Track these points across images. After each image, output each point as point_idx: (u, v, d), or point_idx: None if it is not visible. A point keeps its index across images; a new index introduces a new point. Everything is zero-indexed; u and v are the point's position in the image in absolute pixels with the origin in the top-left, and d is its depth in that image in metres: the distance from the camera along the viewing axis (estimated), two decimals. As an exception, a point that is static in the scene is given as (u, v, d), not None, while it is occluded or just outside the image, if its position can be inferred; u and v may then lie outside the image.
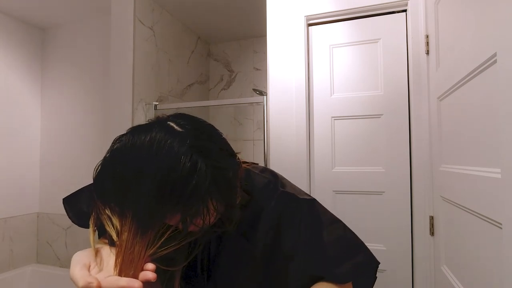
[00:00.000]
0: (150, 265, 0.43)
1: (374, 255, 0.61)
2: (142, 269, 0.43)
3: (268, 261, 0.57)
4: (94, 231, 0.50)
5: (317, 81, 1.46)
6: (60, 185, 2.34)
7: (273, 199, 0.59)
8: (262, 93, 2.08)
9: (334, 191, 1.41)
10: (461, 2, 0.86)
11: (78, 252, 0.47)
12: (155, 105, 1.91)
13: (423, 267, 1.24)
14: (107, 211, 0.46)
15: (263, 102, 1.57)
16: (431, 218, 1.21)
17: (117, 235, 0.44)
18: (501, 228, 0.61)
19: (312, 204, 0.60)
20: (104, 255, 0.47)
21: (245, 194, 0.58)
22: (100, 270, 0.45)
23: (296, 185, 0.66)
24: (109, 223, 0.46)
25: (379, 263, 0.61)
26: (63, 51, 2.44)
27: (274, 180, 0.62)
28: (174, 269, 0.53)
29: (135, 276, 0.42)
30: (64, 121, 2.40)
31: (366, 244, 0.62)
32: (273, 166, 1.46)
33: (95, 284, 0.40)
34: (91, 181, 0.54)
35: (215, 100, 2.60)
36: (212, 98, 2.67)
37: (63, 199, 0.68)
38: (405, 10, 1.35)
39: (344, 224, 0.62)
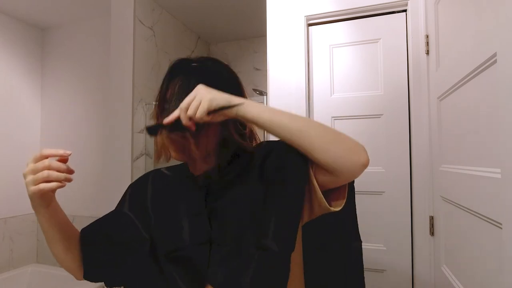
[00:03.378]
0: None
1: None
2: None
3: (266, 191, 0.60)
4: None
5: (317, 81, 1.46)
6: (60, 185, 2.34)
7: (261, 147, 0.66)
8: (262, 93, 2.08)
9: (334, 191, 1.41)
10: (461, 2, 0.86)
11: None
12: (155, 105, 1.91)
13: (423, 267, 1.24)
14: None
15: (263, 102, 1.57)
16: (431, 218, 1.21)
17: None
18: (501, 228, 0.61)
19: None
20: None
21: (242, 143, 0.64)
22: None
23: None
24: None
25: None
26: (63, 51, 2.44)
27: (265, 141, 0.70)
28: None
29: None
30: (64, 121, 2.40)
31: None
32: (273, 166, 1.46)
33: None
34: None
35: (215, 100, 2.59)
36: (212, 98, 2.67)
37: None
38: (405, 10, 1.35)
39: None
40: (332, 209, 0.57)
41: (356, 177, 0.57)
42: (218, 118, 0.57)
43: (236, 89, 0.66)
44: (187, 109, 0.54)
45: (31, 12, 2.23)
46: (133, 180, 1.87)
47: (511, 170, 0.55)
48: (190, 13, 2.18)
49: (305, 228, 0.65)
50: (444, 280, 1.04)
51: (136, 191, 0.72)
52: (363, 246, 0.70)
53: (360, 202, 1.38)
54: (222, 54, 2.68)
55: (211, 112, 0.54)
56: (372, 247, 1.33)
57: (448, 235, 1.03)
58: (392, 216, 1.32)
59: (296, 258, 0.62)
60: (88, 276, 0.66)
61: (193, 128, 0.56)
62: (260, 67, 2.52)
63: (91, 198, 2.26)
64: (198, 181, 0.65)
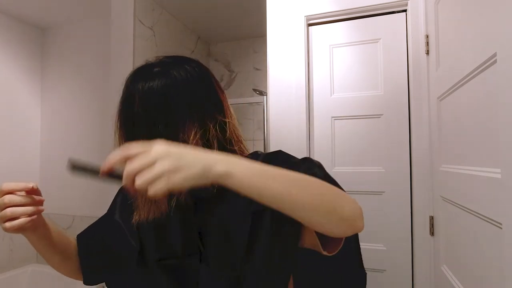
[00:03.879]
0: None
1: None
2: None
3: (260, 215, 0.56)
4: None
5: (317, 81, 1.46)
6: (60, 185, 2.34)
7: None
8: (262, 93, 2.08)
9: (334, 191, 1.41)
10: (461, 2, 0.86)
11: None
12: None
13: (423, 267, 1.24)
14: None
15: (263, 102, 1.57)
16: (431, 218, 1.21)
17: None
18: (501, 228, 0.61)
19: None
20: None
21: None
22: None
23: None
24: None
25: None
26: (63, 51, 2.44)
27: (260, 152, 0.65)
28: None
29: None
30: (64, 121, 2.40)
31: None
32: (273, 166, 1.46)
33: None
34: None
35: (215, 100, 2.59)
36: (212, 98, 2.67)
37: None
38: (405, 10, 1.35)
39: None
40: (325, 253, 0.54)
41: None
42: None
43: (210, 95, 0.59)
44: (134, 175, 0.40)
45: (31, 12, 2.23)
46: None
47: (511, 170, 0.55)
48: (190, 13, 2.18)
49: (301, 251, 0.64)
50: (444, 280, 1.04)
51: (126, 196, 0.69)
52: (363, 246, 0.69)
53: (360, 202, 1.38)
54: (222, 54, 2.68)
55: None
56: (372, 247, 1.33)
57: (448, 235, 1.03)
58: (392, 216, 1.32)
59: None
60: (88, 281, 0.66)
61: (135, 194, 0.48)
62: (260, 67, 2.52)
63: (91, 198, 2.26)
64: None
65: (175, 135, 0.53)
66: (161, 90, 0.54)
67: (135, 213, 0.59)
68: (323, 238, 0.54)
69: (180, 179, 0.39)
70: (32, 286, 2.20)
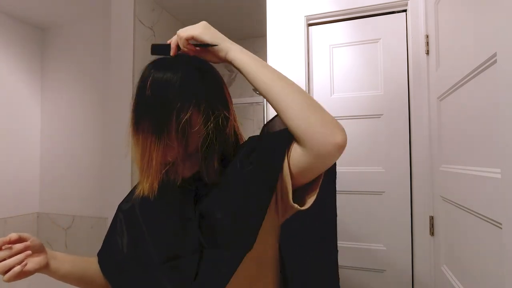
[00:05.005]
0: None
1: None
2: None
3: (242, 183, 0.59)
4: None
5: (317, 81, 1.46)
6: (60, 185, 2.34)
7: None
8: (262, 93, 2.08)
9: (334, 191, 1.41)
10: (461, 2, 0.86)
11: None
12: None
13: (423, 267, 1.24)
14: None
15: (263, 102, 1.57)
16: (431, 218, 1.21)
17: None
18: (501, 228, 0.61)
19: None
20: None
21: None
22: None
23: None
24: None
25: None
26: (63, 51, 2.44)
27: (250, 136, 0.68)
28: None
29: None
30: (64, 121, 2.40)
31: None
32: (273, 166, 1.46)
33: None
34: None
35: (215, 100, 2.59)
36: (212, 98, 2.67)
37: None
38: (405, 10, 1.35)
39: None
40: (296, 206, 0.54)
41: (329, 159, 0.53)
42: (207, 56, 0.62)
43: (219, 91, 0.65)
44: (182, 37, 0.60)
45: (31, 12, 2.23)
46: (133, 180, 1.86)
47: (511, 170, 0.55)
48: (190, 13, 2.18)
49: (283, 228, 0.64)
50: (444, 280, 1.04)
51: (127, 212, 0.71)
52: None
53: (360, 202, 1.39)
54: (222, 54, 2.68)
55: (197, 45, 0.61)
56: (372, 247, 1.33)
57: (448, 235, 1.03)
58: (392, 216, 1.32)
59: (266, 258, 0.62)
60: None
61: (192, 51, 0.62)
62: (260, 67, 2.52)
63: (91, 198, 2.26)
64: (185, 185, 0.64)
65: (179, 121, 0.56)
66: (173, 78, 0.58)
67: (138, 189, 0.63)
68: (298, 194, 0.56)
69: (201, 35, 0.60)
70: (32, 286, 2.20)
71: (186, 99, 0.57)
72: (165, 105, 0.56)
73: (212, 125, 0.59)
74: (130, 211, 0.70)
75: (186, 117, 0.56)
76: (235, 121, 0.65)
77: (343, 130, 0.52)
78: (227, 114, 0.62)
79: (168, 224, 0.63)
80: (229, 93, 0.67)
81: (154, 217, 0.66)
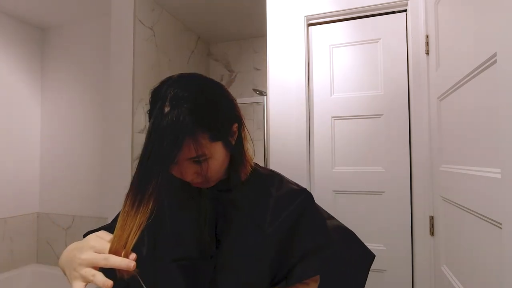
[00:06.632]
0: (133, 255, 0.48)
1: (375, 255, 0.64)
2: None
3: (276, 246, 0.61)
4: None
5: (317, 81, 1.46)
6: (60, 185, 2.34)
7: (282, 188, 0.66)
8: (262, 93, 2.08)
9: (334, 191, 1.41)
10: (461, 2, 0.86)
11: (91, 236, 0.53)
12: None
13: (423, 267, 1.24)
14: None
15: (263, 102, 1.57)
16: (431, 218, 1.21)
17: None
18: (501, 228, 0.61)
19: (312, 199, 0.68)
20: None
21: (249, 167, 0.65)
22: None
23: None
24: None
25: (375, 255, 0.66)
26: (63, 51, 2.44)
27: (277, 173, 0.70)
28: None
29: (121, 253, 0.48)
30: (64, 121, 2.40)
31: (366, 244, 0.64)
32: (273, 166, 1.46)
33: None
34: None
35: (215, 100, 2.59)
36: (212, 98, 2.67)
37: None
38: (405, 10, 1.35)
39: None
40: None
41: None
42: None
43: (233, 111, 0.61)
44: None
45: (31, 12, 2.23)
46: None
47: (511, 170, 0.55)
48: (190, 13, 2.18)
49: None
50: (444, 280, 1.04)
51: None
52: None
53: (360, 202, 1.39)
54: (222, 54, 2.68)
55: None
56: (372, 247, 1.32)
57: (448, 235, 1.03)
58: (392, 216, 1.32)
59: None
60: None
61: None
62: (260, 67, 2.52)
63: (91, 198, 2.26)
64: (207, 193, 0.64)
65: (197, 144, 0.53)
66: (192, 97, 0.52)
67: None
68: None
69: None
70: (32, 286, 2.21)
71: (203, 123, 0.54)
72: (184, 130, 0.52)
73: (230, 145, 0.60)
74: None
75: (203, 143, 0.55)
76: (247, 141, 0.66)
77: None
78: (241, 136, 0.63)
79: (185, 224, 0.64)
80: (241, 115, 0.64)
81: (172, 215, 0.66)
